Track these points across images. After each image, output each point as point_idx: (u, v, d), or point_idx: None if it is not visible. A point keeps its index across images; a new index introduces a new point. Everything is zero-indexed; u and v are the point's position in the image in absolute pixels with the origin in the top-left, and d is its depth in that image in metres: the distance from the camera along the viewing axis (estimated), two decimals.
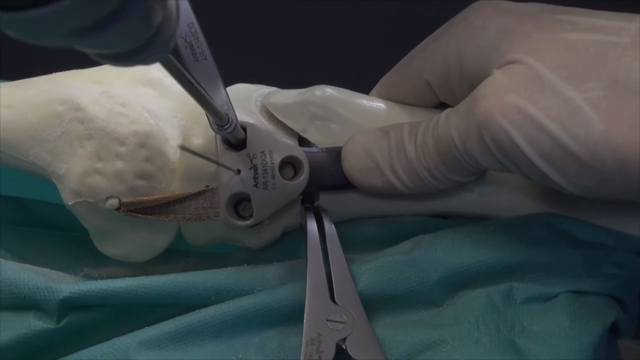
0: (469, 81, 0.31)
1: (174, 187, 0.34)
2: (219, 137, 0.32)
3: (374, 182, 0.33)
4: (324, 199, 0.35)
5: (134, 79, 0.36)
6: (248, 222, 0.33)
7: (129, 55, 0.18)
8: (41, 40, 0.15)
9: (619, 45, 0.26)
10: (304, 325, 0.30)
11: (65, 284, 0.32)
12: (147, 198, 0.33)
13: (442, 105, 0.38)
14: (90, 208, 0.34)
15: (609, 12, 0.29)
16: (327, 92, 0.35)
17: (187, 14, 0.30)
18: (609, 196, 0.27)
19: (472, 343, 0.30)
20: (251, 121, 0.34)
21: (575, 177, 0.27)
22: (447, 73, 0.32)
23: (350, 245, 0.34)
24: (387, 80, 0.37)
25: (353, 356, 0.29)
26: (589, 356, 0.29)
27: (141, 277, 0.33)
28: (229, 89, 0.37)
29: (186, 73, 0.22)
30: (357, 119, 0.34)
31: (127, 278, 0.33)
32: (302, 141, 0.35)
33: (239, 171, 0.32)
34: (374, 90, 0.38)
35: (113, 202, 0.33)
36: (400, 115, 0.35)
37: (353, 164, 0.33)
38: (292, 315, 0.32)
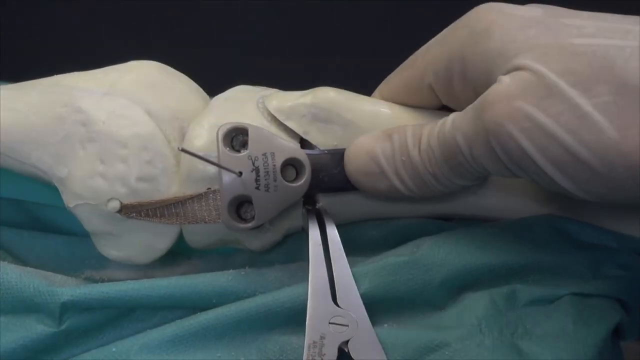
0: (472, 86, 0.31)
1: (176, 190, 0.34)
2: (220, 139, 0.32)
3: (377, 186, 0.33)
4: (326, 201, 0.35)
5: (135, 81, 0.36)
6: (250, 225, 0.33)
7: None
8: None
9: (625, 49, 0.26)
10: (306, 327, 0.30)
11: (66, 287, 0.31)
12: (148, 200, 0.33)
13: (444, 107, 0.38)
14: (92, 210, 0.33)
15: (614, 15, 0.28)
16: (329, 94, 0.35)
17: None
18: (620, 201, 0.27)
19: (475, 346, 0.30)
20: (253, 123, 0.34)
21: (585, 183, 0.27)
22: (450, 77, 0.32)
23: (352, 247, 0.34)
24: (389, 82, 0.37)
25: (355, 359, 0.29)
26: (594, 358, 0.29)
27: (142, 280, 0.33)
28: (231, 90, 0.37)
29: None
30: (359, 121, 0.34)
31: (129, 281, 0.33)
32: (304, 143, 0.35)
33: (240, 173, 0.32)
34: (376, 92, 0.37)
35: (114, 204, 0.33)
36: (402, 118, 0.35)
37: (357, 167, 0.33)
38: (294, 318, 0.31)
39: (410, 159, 0.32)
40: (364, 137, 0.33)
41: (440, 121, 0.31)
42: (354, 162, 0.33)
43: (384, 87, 0.37)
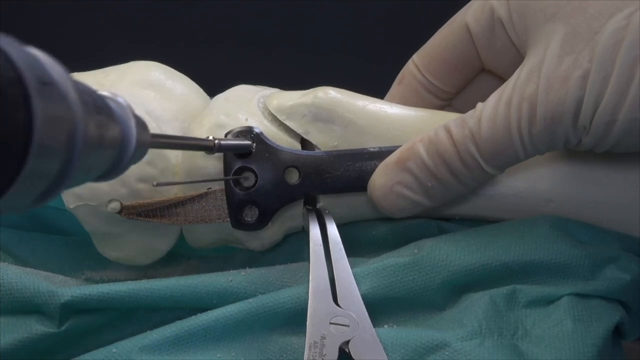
0: (515, 35, 0.32)
1: (176, 190, 0.34)
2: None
3: (411, 212, 0.34)
4: (327, 201, 0.35)
5: (135, 81, 0.35)
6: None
7: (105, 177, 0.21)
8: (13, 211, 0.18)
9: None
10: (307, 328, 0.30)
11: (66, 287, 0.31)
12: (148, 201, 0.33)
13: (446, 108, 0.38)
14: (92, 211, 0.33)
15: None
16: (329, 93, 0.35)
17: None
18: None
19: (475, 346, 0.29)
20: (253, 123, 0.34)
21: None
22: (492, 26, 0.34)
23: (352, 247, 0.34)
24: (427, 43, 0.37)
25: (356, 359, 0.29)
26: (594, 358, 0.29)
27: (143, 281, 0.33)
28: (231, 90, 0.37)
29: (175, 142, 0.27)
30: (360, 121, 0.34)
31: (129, 282, 0.32)
32: (305, 143, 0.35)
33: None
34: (414, 56, 0.38)
35: (114, 205, 0.33)
36: (402, 117, 0.35)
37: (389, 208, 0.33)
38: (294, 318, 0.31)
39: (439, 180, 0.32)
40: (379, 177, 0.33)
41: (464, 129, 0.31)
42: (384, 204, 0.33)
43: (421, 50, 0.38)
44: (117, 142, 0.21)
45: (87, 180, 0.20)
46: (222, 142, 0.30)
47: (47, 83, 0.17)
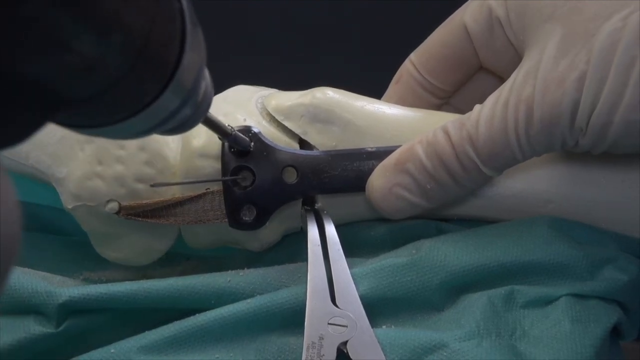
0: (513, 35, 0.32)
1: (174, 191, 0.34)
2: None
3: (408, 213, 0.34)
4: (325, 202, 0.35)
5: None
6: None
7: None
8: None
9: None
10: (305, 328, 0.30)
11: (64, 287, 0.31)
12: (147, 201, 0.33)
13: (444, 106, 0.38)
14: (90, 212, 0.33)
15: None
16: (327, 94, 0.35)
17: None
18: None
19: (473, 347, 0.29)
20: (252, 123, 0.34)
21: None
22: (490, 26, 0.33)
23: (351, 248, 0.34)
24: (425, 42, 0.37)
25: (354, 359, 0.29)
26: (592, 358, 0.29)
27: (141, 281, 0.33)
28: (230, 90, 0.37)
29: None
30: (358, 122, 0.34)
31: (127, 282, 0.32)
32: (303, 143, 0.35)
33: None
34: (411, 55, 0.38)
35: (113, 205, 0.33)
36: (400, 117, 0.35)
37: (388, 209, 0.33)
38: (293, 319, 0.31)
39: (437, 182, 0.32)
40: (378, 179, 0.33)
41: (461, 132, 0.31)
42: (383, 206, 0.33)
43: (418, 49, 0.38)
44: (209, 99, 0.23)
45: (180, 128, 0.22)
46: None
47: (195, 24, 0.19)
